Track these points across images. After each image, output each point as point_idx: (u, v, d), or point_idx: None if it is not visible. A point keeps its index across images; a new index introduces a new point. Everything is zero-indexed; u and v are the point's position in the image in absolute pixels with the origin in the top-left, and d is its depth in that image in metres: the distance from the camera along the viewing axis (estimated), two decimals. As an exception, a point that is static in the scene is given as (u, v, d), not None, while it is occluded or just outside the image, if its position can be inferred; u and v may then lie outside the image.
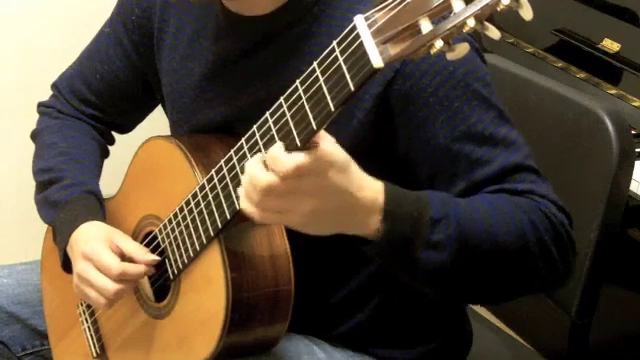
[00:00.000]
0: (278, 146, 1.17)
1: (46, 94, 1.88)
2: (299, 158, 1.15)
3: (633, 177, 1.82)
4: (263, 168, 1.18)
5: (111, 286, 1.53)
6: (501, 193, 1.37)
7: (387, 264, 1.33)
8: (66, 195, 1.67)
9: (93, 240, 1.57)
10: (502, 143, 1.38)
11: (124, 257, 1.55)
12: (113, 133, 1.87)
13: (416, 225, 1.26)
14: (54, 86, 1.86)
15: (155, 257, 1.54)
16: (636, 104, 2.21)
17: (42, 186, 1.74)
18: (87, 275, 1.56)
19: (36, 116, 1.87)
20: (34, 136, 1.83)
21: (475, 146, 1.37)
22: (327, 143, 1.17)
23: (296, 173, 1.15)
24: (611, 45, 2.33)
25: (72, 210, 1.65)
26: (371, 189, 1.24)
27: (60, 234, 1.65)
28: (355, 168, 1.22)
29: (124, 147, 1.85)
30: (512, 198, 1.36)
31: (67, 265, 1.64)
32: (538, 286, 1.41)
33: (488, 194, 1.37)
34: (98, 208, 1.67)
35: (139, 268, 1.53)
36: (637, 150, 1.79)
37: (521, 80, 1.90)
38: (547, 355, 1.96)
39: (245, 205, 1.22)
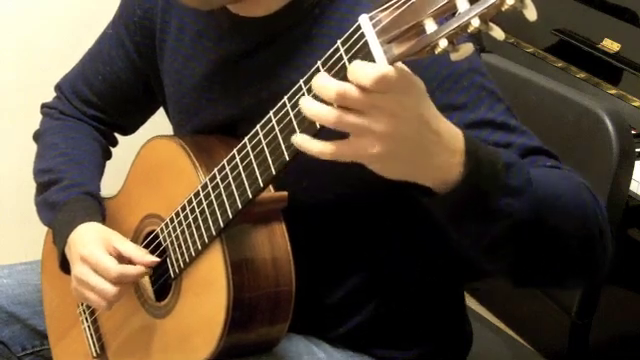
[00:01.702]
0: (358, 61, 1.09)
1: (46, 94, 1.88)
2: (385, 68, 1.05)
3: (633, 177, 1.82)
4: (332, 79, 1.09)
5: (110, 288, 1.54)
6: None
7: (458, 217, 1.21)
8: (64, 196, 1.67)
9: (91, 243, 1.57)
10: (517, 130, 1.36)
11: (122, 259, 1.55)
12: (116, 134, 1.88)
13: (494, 169, 1.18)
14: (57, 87, 1.86)
15: (154, 258, 1.54)
16: (636, 104, 2.22)
17: (42, 187, 1.74)
18: (86, 278, 1.56)
19: (36, 116, 1.88)
20: (36, 137, 1.84)
21: (489, 132, 1.34)
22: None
23: (382, 83, 1.05)
24: (611, 45, 2.33)
25: (70, 212, 1.65)
26: (451, 125, 1.16)
27: (58, 235, 1.65)
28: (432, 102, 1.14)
29: (126, 146, 1.85)
30: (551, 168, 1.33)
31: (65, 266, 1.64)
32: (593, 262, 1.32)
33: None
34: (96, 209, 1.67)
35: (137, 269, 1.53)
36: (637, 150, 1.79)
37: (521, 80, 1.90)
38: (547, 355, 1.96)
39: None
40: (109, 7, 1.79)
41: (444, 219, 1.23)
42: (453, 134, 1.16)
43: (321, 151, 1.12)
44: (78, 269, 1.58)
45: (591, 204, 1.30)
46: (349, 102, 1.08)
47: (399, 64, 1.08)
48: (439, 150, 1.14)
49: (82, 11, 2.85)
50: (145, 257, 1.54)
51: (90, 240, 1.58)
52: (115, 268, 1.53)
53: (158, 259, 1.54)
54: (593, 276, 1.35)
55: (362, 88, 1.06)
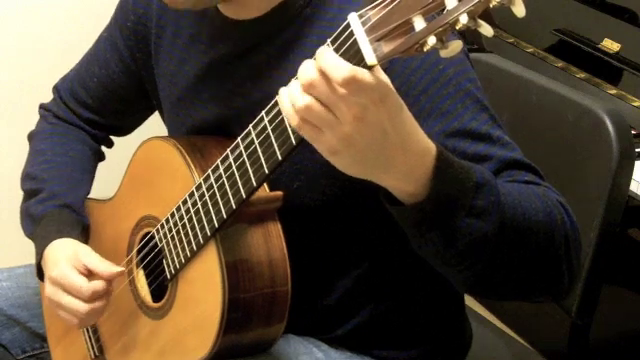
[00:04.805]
0: (332, 52, 1.09)
1: (46, 95, 1.89)
2: (358, 71, 1.06)
3: (633, 177, 1.82)
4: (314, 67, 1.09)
5: (82, 307, 1.56)
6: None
7: (420, 231, 1.21)
8: (41, 210, 1.70)
9: (60, 262, 1.59)
10: (498, 142, 1.35)
11: (92, 273, 1.57)
12: (112, 136, 1.89)
13: (462, 188, 1.19)
14: (55, 89, 1.88)
15: (119, 268, 1.56)
16: (636, 104, 2.21)
17: (26, 195, 1.78)
18: (57, 299, 1.59)
19: (36, 118, 1.89)
20: (30, 138, 1.87)
21: (471, 143, 1.34)
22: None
23: (352, 84, 1.06)
24: (611, 45, 2.33)
25: (45, 226, 1.68)
26: (425, 139, 1.17)
27: (36, 249, 1.68)
28: (410, 114, 1.14)
29: (122, 148, 1.86)
30: (526, 185, 1.32)
31: (42, 276, 1.67)
32: (554, 283, 1.32)
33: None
34: (71, 222, 1.69)
35: (106, 284, 1.55)
36: (637, 150, 1.78)
37: (521, 80, 1.90)
38: (547, 355, 1.96)
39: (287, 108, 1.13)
40: (110, 8, 1.79)
41: (407, 229, 1.23)
42: (423, 150, 1.17)
43: (288, 112, 1.13)
44: (49, 290, 1.60)
45: (561, 224, 1.29)
46: (316, 91, 1.09)
47: (379, 71, 1.08)
48: (400, 163, 1.15)
49: (82, 11, 2.86)
50: (110, 269, 1.55)
51: (60, 259, 1.60)
52: (86, 286, 1.55)
53: (122, 268, 1.56)
54: (555, 294, 1.35)
55: (328, 80, 1.07)
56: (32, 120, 1.89)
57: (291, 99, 1.12)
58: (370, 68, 1.06)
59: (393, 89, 1.11)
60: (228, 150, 1.34)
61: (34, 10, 2.85)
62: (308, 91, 1.09)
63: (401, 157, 1.14)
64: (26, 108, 2.15)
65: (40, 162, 1.78)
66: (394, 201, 1.21)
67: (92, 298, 1.55)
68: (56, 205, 1.70)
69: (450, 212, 1.19)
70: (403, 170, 1.16)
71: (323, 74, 1.08)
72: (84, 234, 1.69)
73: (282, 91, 1.15)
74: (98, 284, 1.55)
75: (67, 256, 1.59)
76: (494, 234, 1.21)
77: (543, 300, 1.40)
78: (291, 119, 1.13)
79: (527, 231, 1.25)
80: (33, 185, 1.75)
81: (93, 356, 1.72)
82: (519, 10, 0.98)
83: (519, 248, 1.26)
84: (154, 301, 1.57)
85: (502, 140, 1.36)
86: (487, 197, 1.21)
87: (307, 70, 1.09)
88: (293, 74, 1.15)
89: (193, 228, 1.43)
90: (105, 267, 1.56)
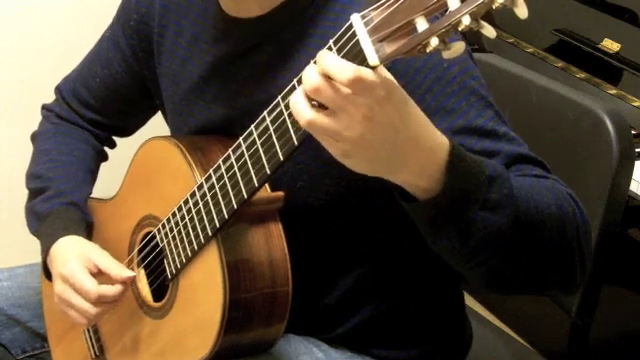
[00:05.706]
0: (333, 54, 1.09)
1: (48, 94, 1.89)
2: (363, 70, 1.06)
3: (633, 177, 1.82)
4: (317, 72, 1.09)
5: (91, 309, 1.56)
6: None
7: (435, 225, 1.21)
8: (47, 207, 1.70)
9: (70, 260, 1.59)
10: (505, 137, 1.36)
11: (102, 274, 1.57)
12: (115, 137, 1.89)
13: (476, 182, 1.19)
14: (57, 89, 1.88)
15: (131, 273, 1.56)
16: (636, 104, 2.21)
17: (31, 194, 1.77)
18: (66, 297, 1.58)
19: (37, 117, 1.89)
20: (33, 139, 1.87)
21: (477, 139, 1.34)
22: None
23: (359, 84, 1.06)
24: (611, 45, 2.33)
25: (52, 224, 1.67)
26: (437, 134, 1.17)
27: (41, 246, 1.68)
28: (417, 108, 1.15)
29: (124, 148, 1.86)
30: (536, 178, 1.32)
31: (48, 274, 1.67)
32: (568, 275, 1.32)
33: None
34: (78, 219, 1.69)
35: (116, 289, 1.55)
36: (637, 150, 1.78)
37: (521, 80, 1.90)
38: (547, 355, 1.96)
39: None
40: (112, 8, 1.79)
41: (421, 225, 1.23)
42: (435, 146, 1.17)
43: (298, 113, 1.12)
44: (59, 287, 1.60)
45: (572, 217, 1.30)
46: (322, 97, 1.08)
47: (382, 69, 1.08)
48: (413, 159, 1.15)
49: (83, 11, 2.86)
50: (122, 272, 1.55)
51: (70, 257, 1.60)
52: (94, 290, 1.55)
53: (134, 273, 1.57)
54: (567, 287, 1.35)
55: (332, 83, 1.07)
56: (32, 120, 1.89)
57: (294, 114, 1.12)
58: (373, 69, 1.06)
59: (398, 85, 1.11)
60: (230, 150, 1.34)
61: (34, 10, 2.85)
62: (314, 96, 1.09)
63: (413, 153, 1.14)
64: (26, 108, 2.15)
65: (45, 161, 1.78)
66: (408, 198, 1.21)
67: (98, 302, 1.55)
68: (63, 203, 1.70)
69: (464, 206, 1.19)
70: (416, 166, 1.16)
71: (327, 78, 1.08)
72: (88, 232, 1.69)
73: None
74: (107, 289, 1.55)
75: (76, 255, 1.59)
76: (508, 227, 1.22)
77: (554, 293, 1.40)
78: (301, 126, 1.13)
79: (540, 224, 1.25)
80: (39, 184, 1.75)
81: (94, 356, 1.72)
82: (522, 12, 0.99)
83: (533, 241, 1.26)
84: (155, 301, 1.57)
85: (508, 135, 1.36)
86: (500, 190, 1.21)
87: (310, 76, 1.09)
88: (296, 74, 1.16)
89: (194, 228, 1.43)
90: (117, 270, 1.55)
